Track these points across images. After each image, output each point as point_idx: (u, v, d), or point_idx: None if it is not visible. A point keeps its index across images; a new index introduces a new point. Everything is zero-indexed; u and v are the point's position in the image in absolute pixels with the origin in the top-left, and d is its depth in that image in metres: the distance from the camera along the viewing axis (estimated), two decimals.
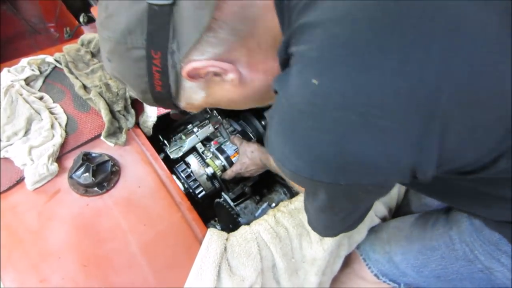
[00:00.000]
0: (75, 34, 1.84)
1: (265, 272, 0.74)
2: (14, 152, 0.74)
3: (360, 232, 0.83)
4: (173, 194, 0.76)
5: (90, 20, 1.74)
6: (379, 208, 0.89)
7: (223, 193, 1.08)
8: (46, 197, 0.71)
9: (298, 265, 0.79)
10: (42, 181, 0.73)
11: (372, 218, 0.87)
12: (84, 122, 0.84)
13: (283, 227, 0.77)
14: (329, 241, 0.77)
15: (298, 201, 0.82)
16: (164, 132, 1.06)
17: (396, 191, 0.92)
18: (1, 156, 0.76)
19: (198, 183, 1.02)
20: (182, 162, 1.02)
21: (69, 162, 0.77)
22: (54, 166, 0.73)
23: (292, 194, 1.15)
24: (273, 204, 1.08)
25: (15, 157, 0.74)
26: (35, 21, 2.04)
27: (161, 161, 0.80)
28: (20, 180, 0.73)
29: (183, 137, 1.07)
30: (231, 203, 1.06)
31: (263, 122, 1.20)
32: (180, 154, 1.00)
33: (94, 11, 1.55)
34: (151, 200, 0.74)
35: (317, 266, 0.78)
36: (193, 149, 1.05)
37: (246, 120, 1.19)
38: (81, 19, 1.80)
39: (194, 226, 0.73)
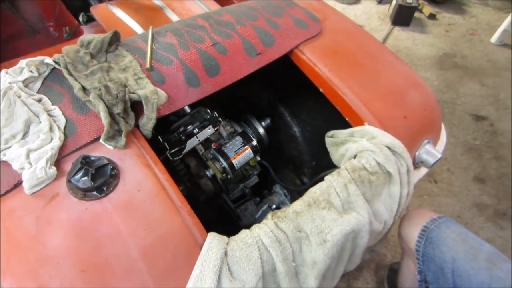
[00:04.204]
0: (75, 33, 1.83)
1: (265, 277, 0.73)
2: (12, 155, 0.73)
3: (362, 236, 0.83)
4: (173, 198, 0.75)
5: (90, 19, 1.74)
6: (380, 209, 0.89)
7: (223, 195, 1.08)
8: (44, 201, 0.70)
9: (298, 268, 0.78)
10: (40, 185, 0.72)
11: (372, 221, 0.86)
12: (83, 124, 0.83)
13: (282, 231, 0.76)
14: (330, 245, 0.76)
15: (297, 205, 0.81)
16: (164, 134, 1.05)
17: (398, 192, 0.91)
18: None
19: (198, 185, 1.01)
20: (182, 164, 1.02)
21: (67, 165, 0.76)
22: (53, 170, 0.73)
23: (292, 196, 1.15)
24: (274, 206, 1.08)
25: (12, 160, 0.73)
26: (34, 20, 2.03)
27: (161, 164, 0.80)
28: (18, 184, 0.72)
29: (183, 138, 1.06)
30: (231, 205, 1.06)
31: (263, 123, 1.19)
32: (180, 156, 1.00)
33: (94, 11, 1.54)
34: (151, 204, 0.73)
35: (317, 270, 0.77)
36: (193, 151, 1.05)
37: (246, 121, 1.19)
38: (80, 19, 1.80)
39: (194, 230, 0.72)
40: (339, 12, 1.41)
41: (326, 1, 1.46)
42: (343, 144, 0.99)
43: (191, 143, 1.03)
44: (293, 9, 1.30)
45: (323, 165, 1.12)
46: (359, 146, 0.93)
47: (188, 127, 1.10)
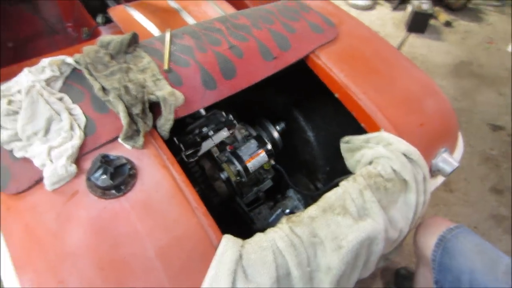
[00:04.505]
0: (93, 34, 1.87)
1: (280, 280, 0.73)
2: (34, 152, 0.75)
3: (378, 243, 0.82)
4: (189, 199, 0.75)
5: (108, 20, 1.77)
6: (396, 217, 0.88)
7: (237, 198, 1.08)
8: (65, 198, 0.72)
9: (313, 273, 0.78)
10: (61, 182, 0.73)
11: (387, 229, 0.85)
12: (102, 124, 0.84)
13: (296, 235, 0.76)
14: (345, 251, 0.76)
15: (312, 210, 0.81)
16: (179, 135, 1.06)
17: (414, 200, 0.90)
18: (21, 156, 0.77)
19: (213, 187, 1.02)
20: (197, 165, 1.02)
21: (87, 163, 0.77)
22: (73, 168, 0.74)
23: (306, 201, 1.14)
24: (287, 210, 1.07)
25: (34, 157, 0.75)
26: (53, 21, 2.07)
27: (178, 165, 0.80)
28: (39, 181, 0.74)
29: (199, 140, 1.07)
30: (245, 208, 1.06)
31: (278, 127, 1.19)
32: (196, 157, 1.00)
33: (112, 12, 1.57)
34: (168, 204, 0.73)
35: (331, 276, 0.77)
36: (208, 153, 1.05)
37: (261, 125, 1.19)
38: (98, 20, 1.84)
39: (209, 232, 0.73)
40: (354, 17, 1.41)
41: (340, 6, 1.46)
42: (359, 150, 0.99)
43: (207, 145, 1.03)
44: (309, 14, 1.30)
45: (337, 170, 1.11)
46: (375, 153, 0.92)
47: (204, 129, 1.10)
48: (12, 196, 0.73)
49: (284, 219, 0.79)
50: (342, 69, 1.12)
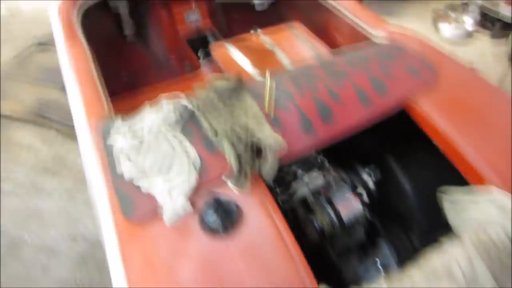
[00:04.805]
0: (193, 67, 2.07)
1: None
2: (156, 189, 0.84)
3: None
4: (290, 247, 0.78)
5: (207, 55, 1.95)
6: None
7: (327, 247, 1.07)
8: (179, 233, 0.79)
9: None
10: (177, 218, 0.81)
11: None
12: (210, 163, 0.91)
13: None
14: None
15: (414, 273, 0.76)
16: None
17: None
18: (144, 188, 0.87)
19: (304, 233, 1.02)
20: (290, 210, 1.04)
21: (197, 200, 0.84)
22: (188, 206, 0.81)
23: (399, 255, 1.09)
24: (378, 263, 1.03)
25: (156, 194, 0.84)
26: (160, 55, 2.33)
27: (280, 212, 0.83)
28: (160, 215, 0.82)
29: (290, 180, 1.09)
30: (334, 257, 1.04)
31: (373, 177, 1.16)
32: (291, 203, 1.03)
33: (213, 49, 1.73)
34: (270, 250, 0.77)
35: None
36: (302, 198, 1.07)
37: (352, 169, 1.17)
38: (199, 54, 2.04)
39: (306, 281, 0.74)
40: (454, 58, 1.35)
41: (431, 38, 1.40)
42: (463, 207, 0.92)
43: (302, 191, 1.05)
44: (406, 57, 1.28)
45: (435, 224, 1.04)
46: (486, 215, 0.85)
47: (295, 170, 1.13)
48: (133, 224, 0.82)
49: (382, 279, 0.77)
50: (444, 117, 1.08)
